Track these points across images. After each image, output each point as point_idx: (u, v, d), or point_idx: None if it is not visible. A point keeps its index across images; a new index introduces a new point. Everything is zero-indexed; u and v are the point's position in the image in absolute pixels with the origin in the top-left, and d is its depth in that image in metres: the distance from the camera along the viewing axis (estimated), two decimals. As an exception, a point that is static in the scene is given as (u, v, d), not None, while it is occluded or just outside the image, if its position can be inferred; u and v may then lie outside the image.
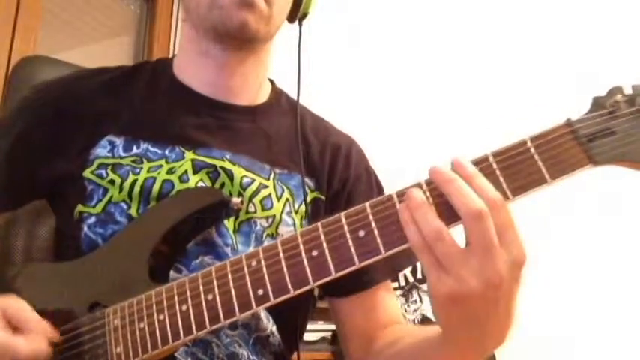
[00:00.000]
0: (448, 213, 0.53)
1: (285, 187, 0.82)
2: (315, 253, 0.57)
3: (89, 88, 0.86)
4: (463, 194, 0.51)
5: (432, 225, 0.52)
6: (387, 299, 0.87)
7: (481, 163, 0.54)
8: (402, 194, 0.56)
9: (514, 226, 0.51)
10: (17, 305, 0.65)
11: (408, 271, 1.80)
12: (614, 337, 1.64)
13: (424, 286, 1.75)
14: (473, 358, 0.62)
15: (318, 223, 0.58)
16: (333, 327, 1.69)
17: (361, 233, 0.56)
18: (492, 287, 0.51)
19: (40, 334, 0.64)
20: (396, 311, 0.89)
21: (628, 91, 0.53)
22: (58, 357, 0.66)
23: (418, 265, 1.75)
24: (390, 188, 0.92)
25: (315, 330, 1.67)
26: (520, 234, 0.52)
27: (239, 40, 0.81)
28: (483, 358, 0.61)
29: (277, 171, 0.83)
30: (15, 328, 0.64)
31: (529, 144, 0.54)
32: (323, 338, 1.70)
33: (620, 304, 1.65)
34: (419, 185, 0.55)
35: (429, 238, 0.51)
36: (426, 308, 1.76)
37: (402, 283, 1.80)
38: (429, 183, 0.55)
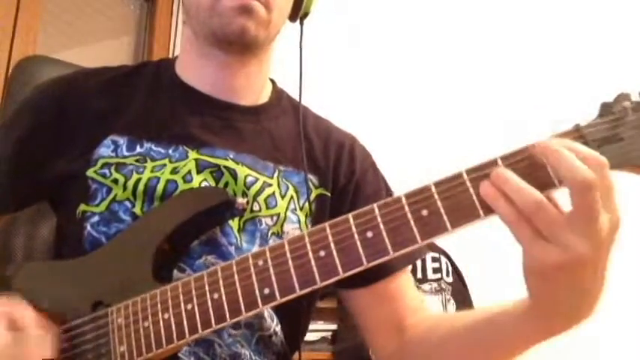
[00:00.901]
0: (535, 183, 0.52)
1: (289, 185, 0.82)
2: (322, 253, 0.57)
3: (92, 88, 0.86)
4: (571, 163, 0.50)
5: (530, 196, 0.50)
6: (410, 286, 0.85)
7: (490, 166, 0.53)
8: (410, 195, 0.56)
9: (614, 189, 0.51)
10: (22, 312, 0.66)
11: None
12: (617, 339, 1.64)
13: (424, 286, 1.75)
14: (558, 331, 0.60)
15: (326, 224, 0.58)
16: (333, 327, 1.69)
17: (369, 234, 0.56)
18: (597, 250, 0.50)
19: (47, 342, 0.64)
20: (421, 298, 0.87)
21: (635, 97, 0.53)
22: (61, 356, 0.66)
23: (418, 265, 1.75)
24: (390, 187, 0.93)
25: (315, 330, 1.67)
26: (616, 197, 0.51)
27: (239, 46, 0.81)
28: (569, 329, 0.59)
29: (281, 168, 0.83)
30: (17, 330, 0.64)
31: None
32: (323, 338, 1.70)
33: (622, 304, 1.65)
34: (494, 162, 0.54)
35: (528, 209, 0.50)
36: (426, 308, 1.75)
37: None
38: (504, 158, 0.53)
